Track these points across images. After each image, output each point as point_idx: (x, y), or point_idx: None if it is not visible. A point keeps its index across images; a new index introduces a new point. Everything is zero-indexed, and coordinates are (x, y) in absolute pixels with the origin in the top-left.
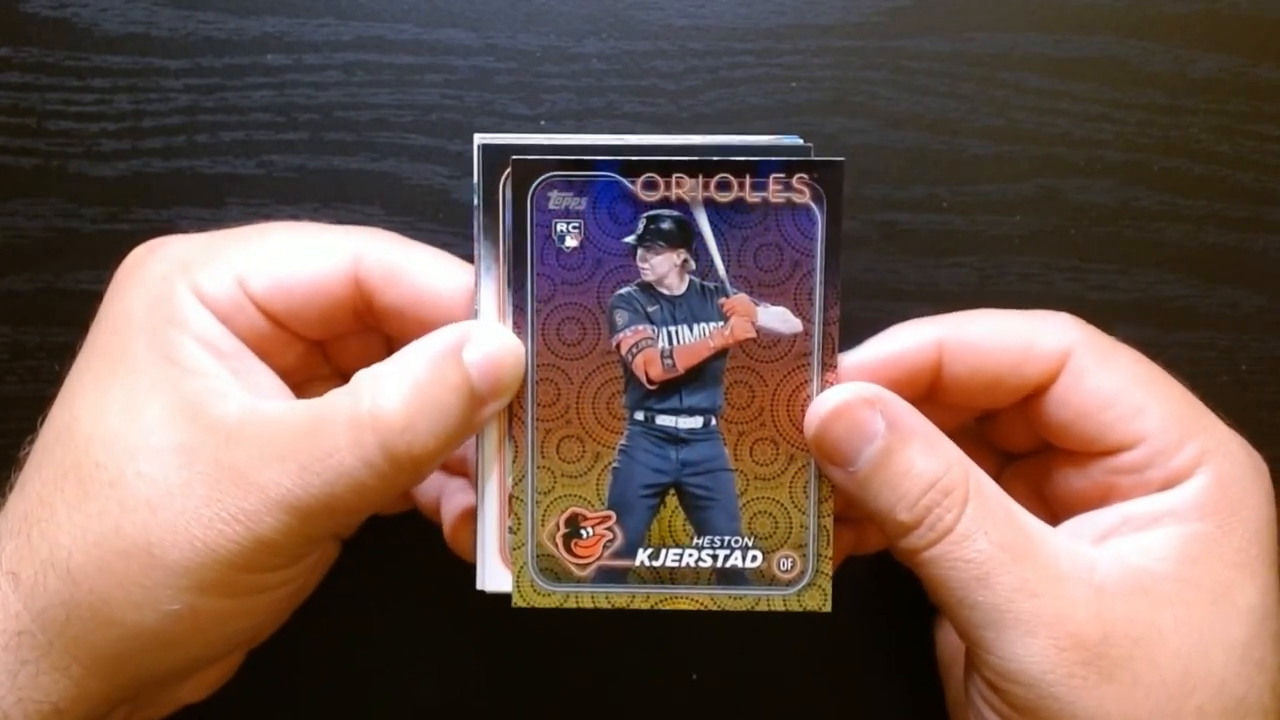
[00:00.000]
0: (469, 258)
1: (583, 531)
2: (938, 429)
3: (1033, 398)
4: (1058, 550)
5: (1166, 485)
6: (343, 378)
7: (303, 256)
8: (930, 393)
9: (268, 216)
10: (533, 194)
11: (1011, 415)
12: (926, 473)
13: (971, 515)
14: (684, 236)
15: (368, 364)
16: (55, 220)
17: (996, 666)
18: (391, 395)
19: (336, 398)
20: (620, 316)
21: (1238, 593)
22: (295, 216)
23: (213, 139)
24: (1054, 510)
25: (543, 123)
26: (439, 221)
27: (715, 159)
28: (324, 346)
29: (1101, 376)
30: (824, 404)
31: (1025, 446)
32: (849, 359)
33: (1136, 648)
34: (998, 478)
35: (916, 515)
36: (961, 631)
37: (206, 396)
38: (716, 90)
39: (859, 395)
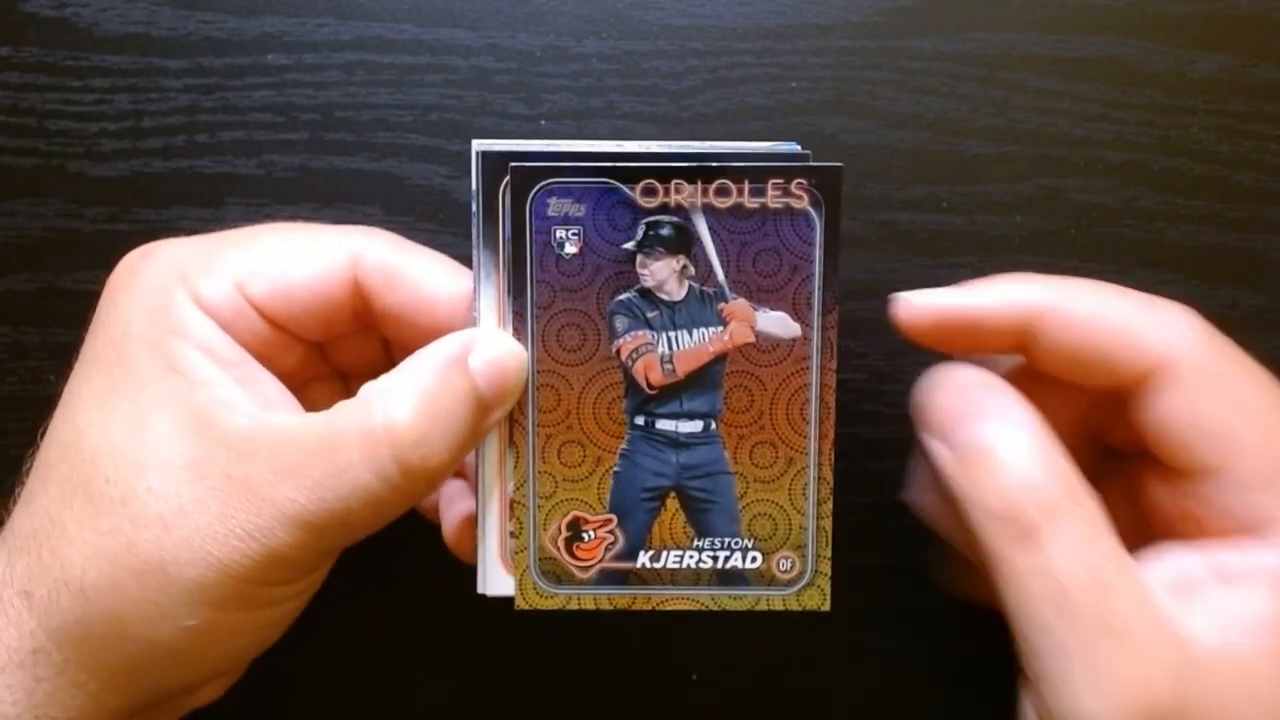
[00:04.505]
0: (468, 258)
1: (584, 535)
2: (1051, 433)
3: (1129, 394)
4: (1148, 594)
5: (1254, 529)
6: (342, 378)
7: (302, 259)
8: (1014, 352)
9: (268, 216)
10: (532, 201)
11: (1112, 404)
12: (1027, 470)
13: (1065, 527)
14: (683, 242)
15: (367, 364)
16: (55, 220)
17: (1053, 706)
18: (403, 408)
19: (347, 412)
20: (620, 322)
21: None
22: (295, 216)
23: (213, 139)
24: (1144, 527)
25: (543, 123)
26: (438, 222)
27: (714, 165)
28: (322, 347)
29: (1198, 392)
30: (947, 375)
31: (1126, 444)
32: (924, 297)
33: None
34: (1097, 478)
35: (1008, 507)
36: (1026, 658)
37: (214, 409)
38: (716, 90)
39: (982, 378)
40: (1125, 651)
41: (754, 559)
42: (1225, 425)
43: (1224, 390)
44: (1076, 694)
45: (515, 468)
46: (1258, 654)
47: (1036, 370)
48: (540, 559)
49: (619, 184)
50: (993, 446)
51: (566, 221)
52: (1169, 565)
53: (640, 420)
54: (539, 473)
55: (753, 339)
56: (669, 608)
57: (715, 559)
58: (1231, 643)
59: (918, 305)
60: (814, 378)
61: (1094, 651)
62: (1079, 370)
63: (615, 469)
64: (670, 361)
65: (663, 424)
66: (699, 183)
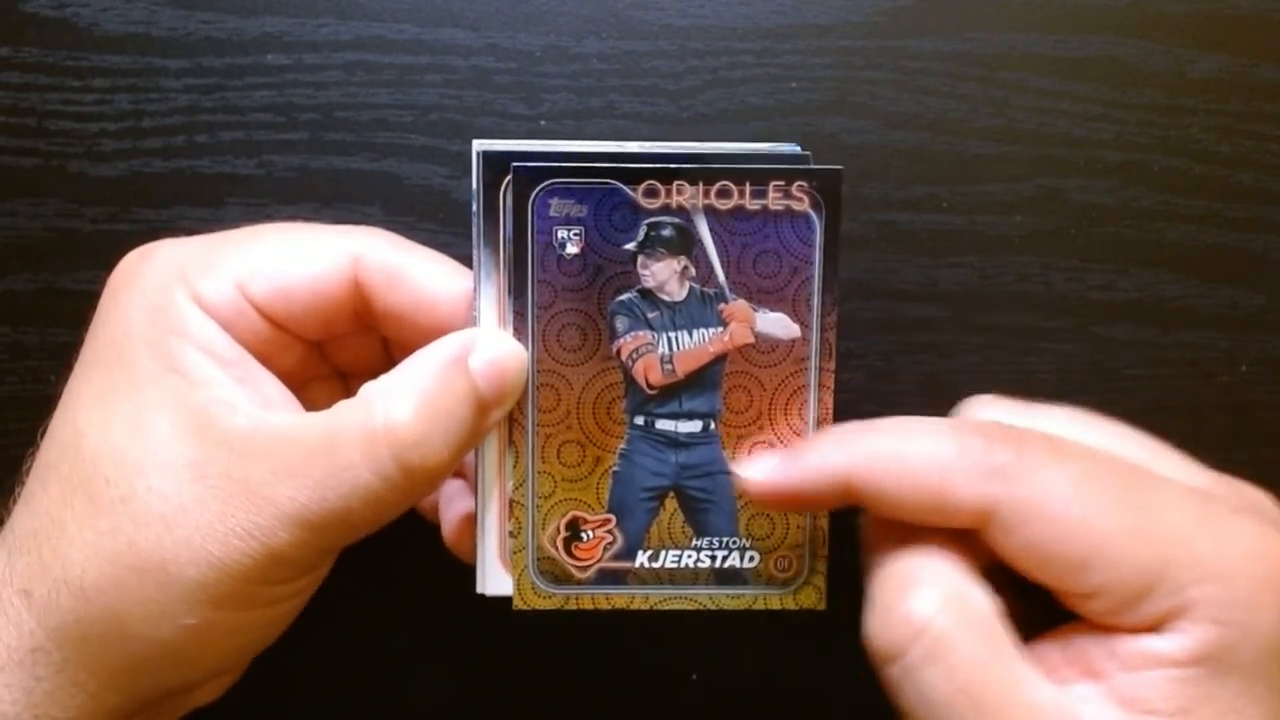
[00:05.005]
0: (468, 258)
1: (583, 534)
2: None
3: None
4: (1035, 707)
5: (1145, 628)
6: (341, 377)
7: (303, 259)
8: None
9: (268, 217)
10: (533, 201)
11: None
12: (907, 576)
13: (939, 644)
14: (684, 243)
15: (366, 363)
16: (55, 220)
17: None
18: (403, 408)
19: (347, 411)
20: (620, 322)
21: None
22: (295, 216)
23: (213, 139)
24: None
25: (543, 123)
26: (438, 221)
27: (716, 166)
28: (321, 346)
29: (1035, 531)
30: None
31: None
32: (755, 474)
33: None
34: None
35: (887, 630)
36: None
37: (214, 408)
38: (716, 90)
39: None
40: None
41: (752, 558)
42: (1075, 557)
43: (1053, 513)
44: None
45: (515, 467)
46: None
47: None
48: (539, 559)
49: (621, 185)
50: (878, 560)
51: (568, 222)
52: (1073, 645)
53: (640, 420)
54: (538, 472)
55: (752, 340)
56: (667, 607)
57: (713, 558)
58: None
59: (751, 486)
60: (812, 378)
61: None
62: (914, 520)
63: (614, 469)
64: (670, 362)
65: (662, 424)
66: (700, 184)
